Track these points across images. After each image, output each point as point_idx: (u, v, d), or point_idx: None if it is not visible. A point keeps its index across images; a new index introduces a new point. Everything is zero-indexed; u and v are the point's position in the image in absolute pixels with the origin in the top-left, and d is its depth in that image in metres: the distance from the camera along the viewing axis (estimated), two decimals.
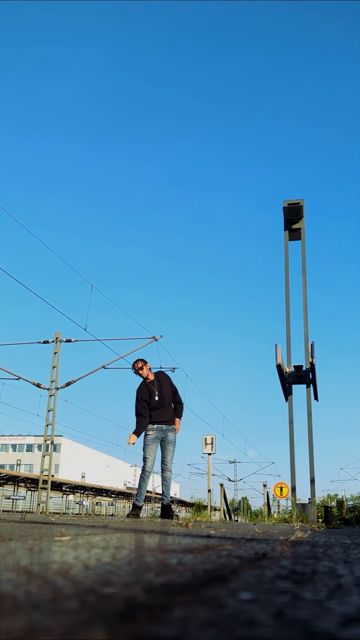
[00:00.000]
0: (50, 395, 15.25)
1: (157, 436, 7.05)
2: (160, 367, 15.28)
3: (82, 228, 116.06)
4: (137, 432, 7.00)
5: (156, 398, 7.09)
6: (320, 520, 10.75)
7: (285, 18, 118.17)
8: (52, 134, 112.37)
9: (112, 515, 48.43)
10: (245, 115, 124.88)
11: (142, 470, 7.06)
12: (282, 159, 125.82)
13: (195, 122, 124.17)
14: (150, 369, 7.26)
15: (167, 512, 7.11)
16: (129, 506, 56.96)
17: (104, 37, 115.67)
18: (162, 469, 7.17)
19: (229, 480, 47.01)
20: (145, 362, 7.23)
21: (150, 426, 7.07)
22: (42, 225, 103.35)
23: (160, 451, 7.15)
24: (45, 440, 15.24)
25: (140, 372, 7.16)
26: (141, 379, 7.26)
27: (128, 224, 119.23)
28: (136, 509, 6.91)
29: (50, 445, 15.10)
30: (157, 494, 55.96)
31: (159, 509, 7.30)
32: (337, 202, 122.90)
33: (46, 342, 15.84)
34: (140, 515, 7.06)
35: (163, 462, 7.10)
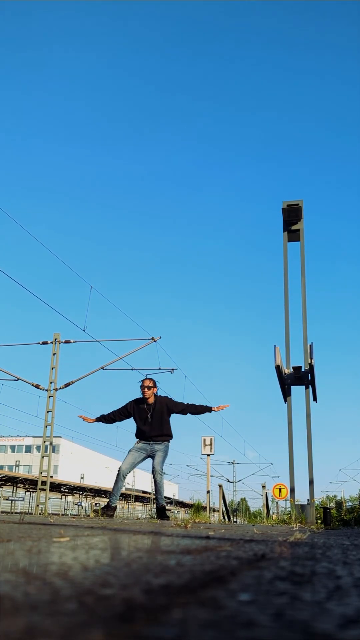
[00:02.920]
0: (49, 396, 15.23)
1: (142, 447, 7.17)
2: (159, 369, 15.26)
3: (81, 229, 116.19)
4: (98, 418, 7.43)
5: (148, 418, 7.18)
6: (319, 521, 10.75)
7: (284, 19, 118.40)
8: (51, 134, 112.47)
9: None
10: (244, 115, 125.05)
11: (117, 472, 7.19)
12: (281, 159, 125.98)
13: (194, 122, 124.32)
14: (155, 393, 7.34)
15: (161, 514, 7.20)
16: (128, 507, 56.93)
17: (102, 36, 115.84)
18: (152, 473, 7.26)
19: (228, 481, 46.94)
20: (155, 385, 7.35)
21: (137, 440, 7.26)
22: (41, 226, 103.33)
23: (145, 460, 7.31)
24: (44, 441, 15.23)
25: (146, 390, 7.25)
26: (140, 395, 7.35)
27: (127, 225, 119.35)
28: (109, 509, 7.00)
29: (49, 446, 15.08)
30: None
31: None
32: (336, 202, 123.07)
33: (45, 343, 15.82)
34: (114, 516, 7.18)
35: (152, 467, 7.19)
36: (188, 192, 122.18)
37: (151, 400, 7.27)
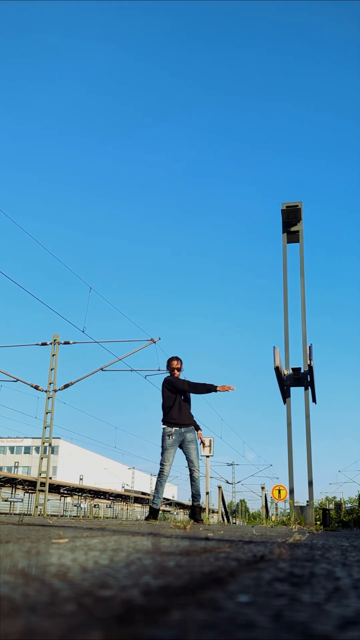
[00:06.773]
0: (49, 398, 15.22)
1: (176, 440, 6.82)
2: (159, 370, 15.28)
3: (80, 230, 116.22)
4: (213, 386, 6.86)
5: (181, 397, 6.96)
6: (318, 522, 10.74)
7: (287, 23, 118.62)
8: (52, 137, 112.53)
9: (108, 517, 48.20)
10: (243, 115, 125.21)
11: (160, 474, 6.85)
12: (281, 158, 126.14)
13: (193, 123, 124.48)
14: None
15: (195, 513, 6.86)
16: (127, 508, 56.86)
17: (106, 26, 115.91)
18: (190, 469, 6.96)
19: (227, 482, 46.93)
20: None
21: (169, 429, 6.85)
22: (40, 227, 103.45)
23: (182, 453, 6.99)
24: (43, 443, 15.21)
25: (180, 368, 7.13)
26: (167, 374, 7.18)
27: (126, 226, 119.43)
28: (154, 512, 6.82)
29: (48, 447, 15.06)
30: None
31: (163, 512, 7.01)
32: (336, 200, 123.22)
33: (44, 344, 15.81)
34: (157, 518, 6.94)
35: (189, 462, 6.90)
36: (187, 194, 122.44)
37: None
